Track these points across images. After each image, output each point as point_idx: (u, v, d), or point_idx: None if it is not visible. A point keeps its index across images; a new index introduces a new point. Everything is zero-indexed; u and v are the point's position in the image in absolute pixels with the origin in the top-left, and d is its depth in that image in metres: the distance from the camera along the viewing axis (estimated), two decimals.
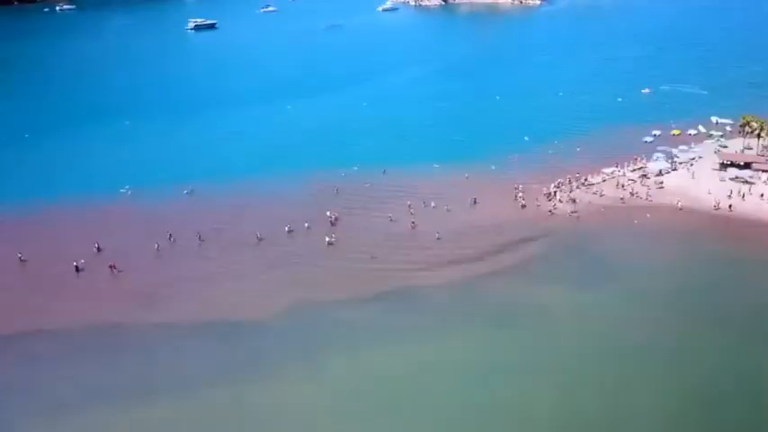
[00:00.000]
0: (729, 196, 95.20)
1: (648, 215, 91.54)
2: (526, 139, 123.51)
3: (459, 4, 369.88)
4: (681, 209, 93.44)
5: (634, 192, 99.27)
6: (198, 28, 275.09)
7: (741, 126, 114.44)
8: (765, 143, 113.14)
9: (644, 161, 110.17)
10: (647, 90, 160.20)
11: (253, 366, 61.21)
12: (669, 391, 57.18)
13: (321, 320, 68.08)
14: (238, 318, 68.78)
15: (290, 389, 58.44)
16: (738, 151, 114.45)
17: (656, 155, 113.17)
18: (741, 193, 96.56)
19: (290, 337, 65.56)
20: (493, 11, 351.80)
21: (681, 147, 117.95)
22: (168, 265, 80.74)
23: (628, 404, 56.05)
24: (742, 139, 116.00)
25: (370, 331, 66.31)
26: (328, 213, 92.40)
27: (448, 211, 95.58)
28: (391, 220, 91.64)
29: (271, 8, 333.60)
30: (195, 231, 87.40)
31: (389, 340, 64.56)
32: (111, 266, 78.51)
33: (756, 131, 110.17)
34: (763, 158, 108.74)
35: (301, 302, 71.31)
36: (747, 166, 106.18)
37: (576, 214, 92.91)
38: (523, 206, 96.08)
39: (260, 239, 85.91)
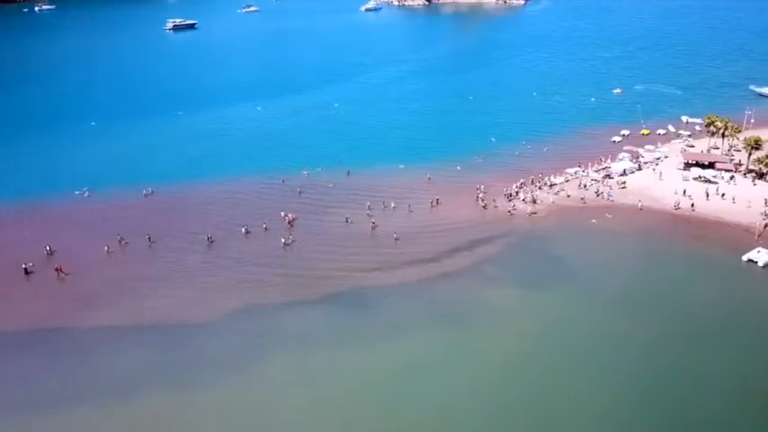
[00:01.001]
0: (690, 196, 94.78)
1: (608, 215, 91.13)
2: (493, 139, 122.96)
3: (443, 4, 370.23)
4: (641, 209, 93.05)
5: (599, 192, 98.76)
6: (177, 28, 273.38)
7: (706, 126, 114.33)
8: (732, 143, 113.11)
9: (608, 161, 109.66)
10: (618, 90, 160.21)
11: (189, 370, 60.06)
12: (608, 389, 56.86)
13: (265, 324, 67.09)
14: (180, 321, 67.67)
15: (226, 393, 57.24)
16: (704, 151, 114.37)
17: (621, 155, 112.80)
18: (707, 193, 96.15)
19: (232, 341, 64.44)
20: (476, 11, 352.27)
21: (647, 146, 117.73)
22: (116, 267, 79.42)
23: (567, 403, 55.40)
24: (709, 138, 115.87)
25: (312, 334, 65.35)
26: (283, 214, 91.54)
27: (410, 211, 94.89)
28: (349, 221, 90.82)
29: (252, 8, 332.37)
30: (149, 233, 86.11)
31: (331, 343, 63.64)
32: (57, 269, 77.24)
33: (721, 131, 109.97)
34: (726, 158, 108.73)
35: (247, 305, 70.29)
36: (711, 165, 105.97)
37: (535, 215, 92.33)
38: (484, 207, 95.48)
39: (211, 241, 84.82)
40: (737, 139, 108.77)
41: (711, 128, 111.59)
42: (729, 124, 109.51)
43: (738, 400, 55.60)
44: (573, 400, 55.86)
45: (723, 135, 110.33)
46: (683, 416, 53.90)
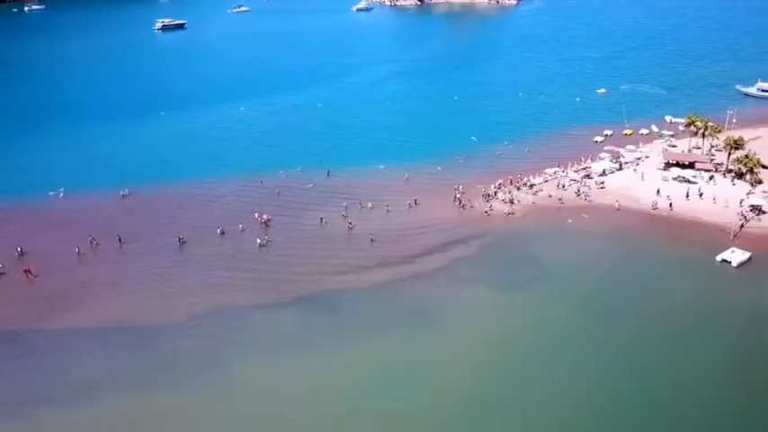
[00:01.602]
0: (668, 196, 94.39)
1: (584, 215, 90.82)
2: (474, 139, 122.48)
3: (435, 4, 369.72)
4: (619, 209, 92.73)
5: (580, 192, 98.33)
6: (165, 28, 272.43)
7: (686, 125, 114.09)
8: (713, 142, 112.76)
9: (588, 161, 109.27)
10: (602, 90, 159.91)
11: (152, 373, 59.58)
12: (578, 390, 56.54)
13: (231, 326, 66.51)
14: (146, 323, 67.20)
15: (188, 396, 56.85)
16: (685, 151, 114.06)
17: (601, 155, 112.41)
18: (687, 193, 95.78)
19: (197, 343, 63.90)
20: (469, 11, 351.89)
21: (628, 147, 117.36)
22: (86, 269, 78.92)
23: (535, 404, 55.10)
24: (692, 138, 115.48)
25: (279, 337, 64.94)
26: (257, 215, 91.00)
27: (388, 212, 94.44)
28: (323, 221, 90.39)
29: (243, 8, 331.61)
30: (120, 234, 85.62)
31: (297, 346, 63.18)
32: (26, 271, 76.64)
33: (701, 131, 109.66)
34: (706, 158, 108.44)
35: (215, 307, 69.75)
36: (691, 165, 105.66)
37: (512, 215, 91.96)
38: (462, 207, 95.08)
39: (183, 242, 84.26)
40: (717, 138, 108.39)
41: (692, 128, 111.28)
42: (709, 124, 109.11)
43: (709, 400, 55.46)
44: (541, 401, 55.51)
45: (703, 135, 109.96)
46: (655, 416, 53.54)
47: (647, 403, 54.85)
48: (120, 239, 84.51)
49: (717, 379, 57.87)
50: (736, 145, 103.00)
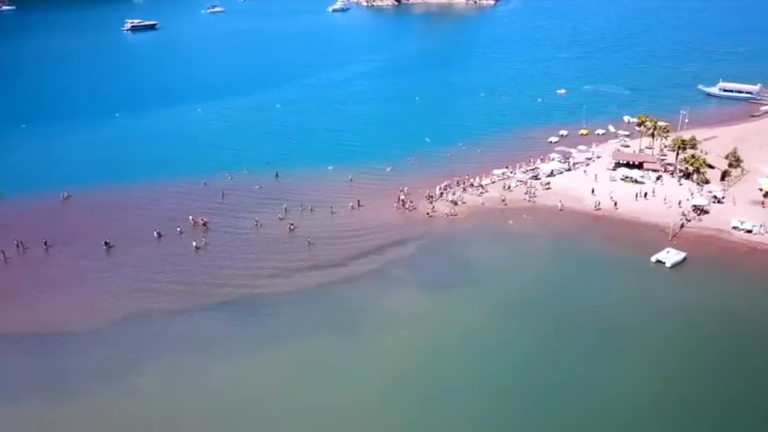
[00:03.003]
0: (611, 197, 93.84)
1: (525, 216, 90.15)
2: (427, 140, 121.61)
3: (413, 4, 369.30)
4: (562, 209, 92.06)
5: (529, 191, 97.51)
6: (135, 29, 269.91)
7: (637, 125, 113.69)
8: (666, 143, 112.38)
9: (537, 162, 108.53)
10: (562, 91, 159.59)
11: (65, 379, 58.29)
12: (491, 391, 56.15)
13: (150, 332, 65.23)
14: (64, 329, 65.84)
15: (99, 402, 55.57)
16: (636, 151, 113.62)
17: (552, 155, 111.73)
18: (636, 194, 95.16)
19: (113, 349, 62.61)
20: (446, 11, 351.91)
21: (579, 147, 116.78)
22: (10, 274, 77.26)
23: (446, 409, 54.20)
24: (648, 138, 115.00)
25: (195, 343, 63.58)
26: (191, 218, 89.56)
27: (333, 213, 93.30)
28: (258, 224, 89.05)
29: (218, 8, 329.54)
30: (47, 238, 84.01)
31: (212, 351, 61.88)
32: None
33: (650, 131, 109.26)
34: (654, 158, 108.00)
35: (139, 312, 68.48)
36: (640, 165, 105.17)
37: (454, 216, 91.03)
38: (405, 209, 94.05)
39: (110, 247, 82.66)
40: (666, 138, 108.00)
41: (642, 128, 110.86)
42: (659, 124, 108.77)
43: (626, 398, 54.81)
44: (454, 405, 54.65)
45: (652, 135, 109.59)
46: (572, 417, 52.88)
47: (561, 404, 54.19)
48: (46, 243, 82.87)
49: (635, 379, 57.11)
50: (686, 145, 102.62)
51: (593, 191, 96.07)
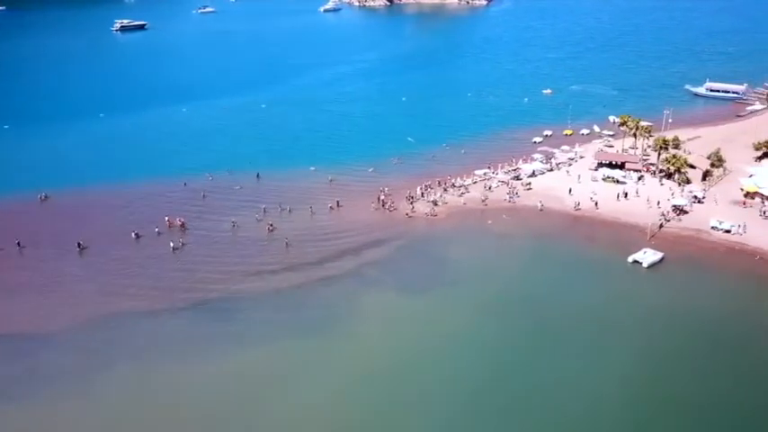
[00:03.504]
0: (591, 198, 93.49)
1: (505, 216, 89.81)
2: (410, 140, 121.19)
3: (406, 5, 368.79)
4: (542, 210, 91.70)
5: (510, 192, 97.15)
6: (124, 29, 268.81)
7: (619, 125, 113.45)
8: (649, 143, 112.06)
9: (520, 162, 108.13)
10: (548, 91, 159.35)
11: (28, 382, 57.52)
12: (462, 392, 55.71)
13: (118, 334, 64.56)
14: (31, 331, 65.08)
15: (61, 406, 54.89)
16: (619, 151, 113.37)
17: (534, 155, 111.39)
18: (618, 194, 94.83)
19: (79, 351, 61.92)
20: (439, 11, 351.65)
21: (563, 147, 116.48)
22: None
23: (418, 411, 53.86)
24: (632, 138, 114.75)
25: (164, 345, 62.99)
26: (167, 219, 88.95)
27: (313, 214, 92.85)
28: (235, 225, 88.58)
29: (209, 9, 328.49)
30: (19, 239, 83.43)
31: (181, 354, 61.30)
32: None
33: (633, 131, 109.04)
34: (636, 158, 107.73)
35: (109, 314, 67.71)
36: (622, 165, 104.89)
37: (434, 217, 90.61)
38: (387, 209, 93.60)
39: (83, 248, 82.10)
40: (648, 139, 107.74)
41: (624, 128, 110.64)
42: (641, 124, 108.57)
43: (604, 400, 54.47)
44: (428, 406, 54.40)
45: (634, 135, 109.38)
46: (548, 417, 52.61)
47: (537, 404, 54.05)
48: (19, 244, 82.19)
49: (609, 379, 56.76)
50: (668, 144, 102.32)
51: (570, 191, 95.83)
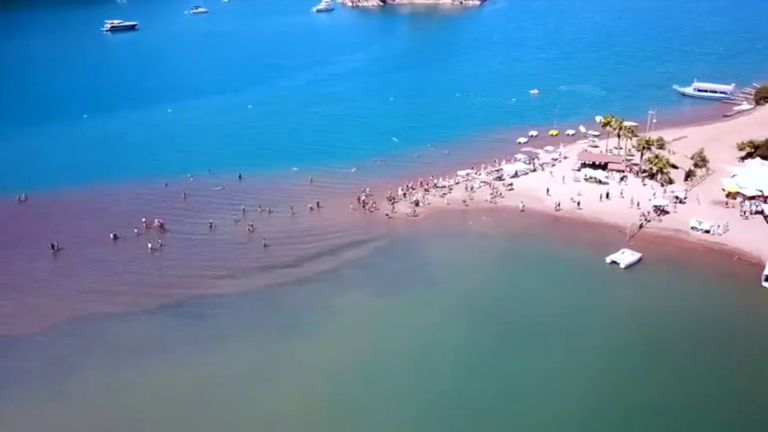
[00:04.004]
0: (572, 198, 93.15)
1: (485, 217, 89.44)
2: (394, 140, 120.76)
3: (399, 5, 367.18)
4: (523, 210, 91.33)
5: (494, 192, 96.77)
6: (115, 29, 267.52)
7: (602, 126, 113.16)
8: (633, 143, 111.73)
9: (502, 163, 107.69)
10: (535, 91, 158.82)
11: None
12: (433, 393, 55.44)
13: (89, 335, 64.21)
14: (3, 333, 64.45)
15: (31, 408, 54.57)
16: (603, 151, 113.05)
17: (518, 155, 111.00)
18: (601, 195, 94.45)
19: (49, 353, 61.50)
20: (432, 11, 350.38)
21: (547, 147, 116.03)
22: None
23: (392, 413, 53.61)
24: (615, 138, 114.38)
25: (135, 346, 62.53)
26: (144, 220, 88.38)
27: (294, 214, 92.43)
28: (212, 226, 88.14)
29: (201, 9, 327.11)
30: (4, 241, 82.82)
31: (150, 355, 60.92)
32: None
33: (616, 131, 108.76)
34: (619, 158, 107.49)
35: (81, 316, 67.42)
36: (605, 166, 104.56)
37: (415, 217, 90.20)
38: (368, 210, 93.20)
39: (58, 249, 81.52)
40: (631, 139, 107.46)
41: (607, 128, 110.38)
42: (624, 124, 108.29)
43: (577, 402, 54.22)
44: (399, 406, 54.20)
45: (618, 135, 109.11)
46: (521, 417, 52.57)
47: (512, 405, 54.04)
48: None
49: (582, 381, 56.51)
50: (649, 145, 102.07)
51: (547, 191, 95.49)
